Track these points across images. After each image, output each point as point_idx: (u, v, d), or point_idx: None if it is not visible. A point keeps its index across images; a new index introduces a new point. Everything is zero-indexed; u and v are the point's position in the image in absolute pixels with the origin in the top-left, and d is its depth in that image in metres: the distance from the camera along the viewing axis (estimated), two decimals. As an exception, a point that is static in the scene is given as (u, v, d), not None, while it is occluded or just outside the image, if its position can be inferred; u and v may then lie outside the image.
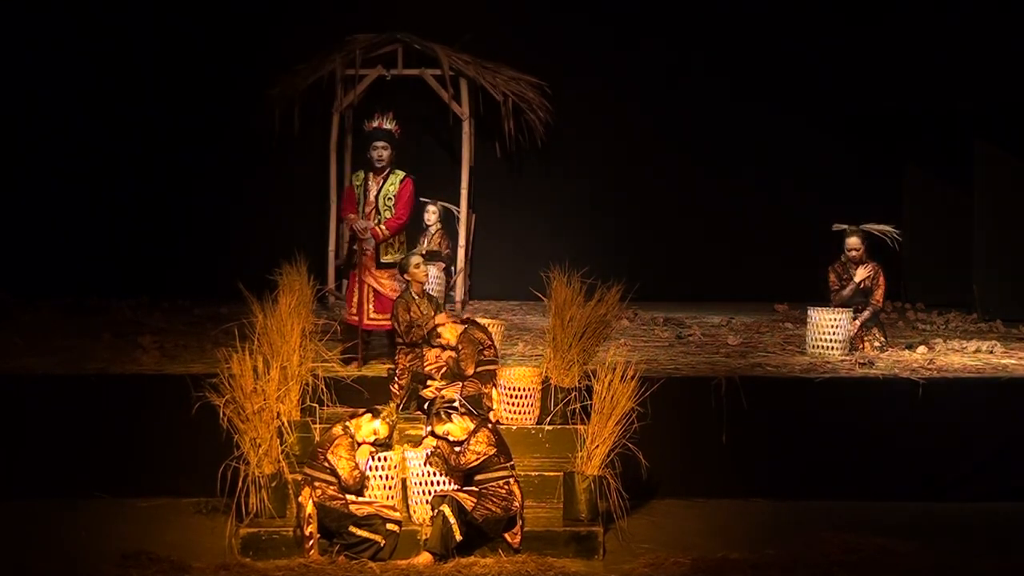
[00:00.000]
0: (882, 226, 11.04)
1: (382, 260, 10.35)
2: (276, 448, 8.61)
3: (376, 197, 10.34)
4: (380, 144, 10.35)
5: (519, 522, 8.38)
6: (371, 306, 10.30)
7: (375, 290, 10.31)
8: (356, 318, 10.34)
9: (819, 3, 14.29)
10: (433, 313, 9.77)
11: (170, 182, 14.19)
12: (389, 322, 10.04)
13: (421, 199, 13.52)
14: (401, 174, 10.42)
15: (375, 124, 10.44)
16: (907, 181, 14.53)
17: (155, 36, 14.05)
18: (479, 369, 9.44)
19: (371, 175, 10.41)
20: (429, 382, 9.56)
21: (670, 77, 14.46)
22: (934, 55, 13.85)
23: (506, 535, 8.34)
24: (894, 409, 9.80)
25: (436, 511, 8.25)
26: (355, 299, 10.36)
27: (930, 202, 14.37)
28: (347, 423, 8.54)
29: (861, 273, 11.00)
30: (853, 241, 10.96)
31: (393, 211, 10.33)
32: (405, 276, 9.91)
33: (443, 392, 9.32)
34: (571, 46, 14.29)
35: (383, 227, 10.29)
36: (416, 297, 9.83)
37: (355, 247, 10.37)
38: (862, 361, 10.41)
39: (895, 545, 8.45)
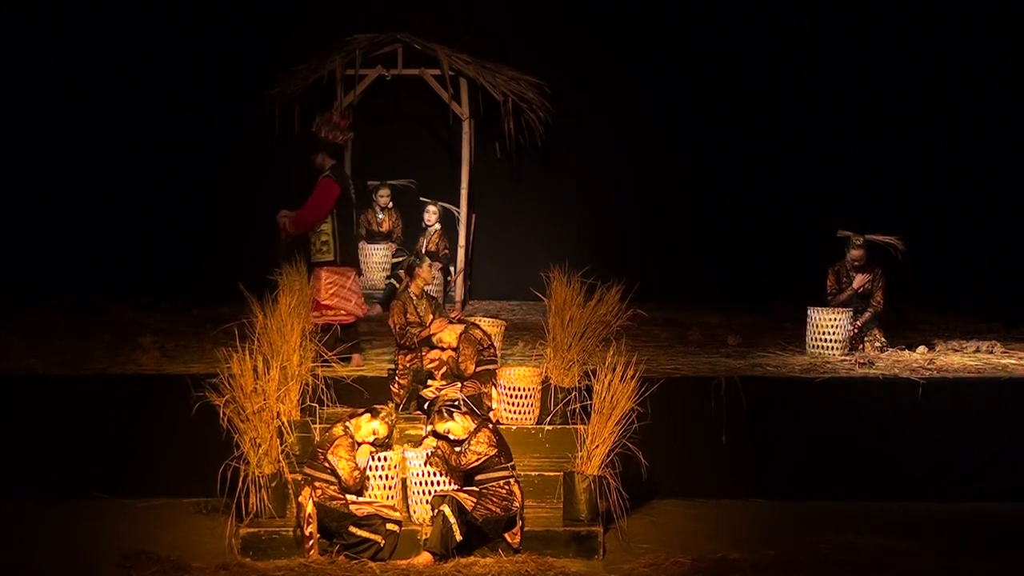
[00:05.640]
0: (886, 237, 11.03)
1: (312, 259, 10.20)
2: (276, 448, 8.62)
3: None
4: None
5: (519, 522, 8.38)
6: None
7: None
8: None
9: (821, 6, 14.28)
10: (431, 314, 9.78)
11: (170, 182, 14.17)
12: (322, 319, 9.98)
13: (421, 199, 13.54)
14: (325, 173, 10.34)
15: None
16: (907, 181, 14.54)
17: (155, 36, 14.03)
18: (479, 369, 9.44)
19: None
20: (429, 382, 9.57)
21: (670, 77, 14.43)
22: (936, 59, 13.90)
23: (506, 535, 8.34)
24: (894, 409, 9.81)
25: (436, 511, 8.25)
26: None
27: (930, 201, 14.35)
28: (347, 423, 8.54)
29: (859, 279, 11.02)
30: (856, 253, 10.98)
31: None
32: (415, 272, 9.89)
33: (443, 392, 9.33)
34: (571, 46, 14.27)
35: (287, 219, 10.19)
36: (414, 298, 9.83)
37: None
38: (862, 361, 10.41)
39: (895, 545, 8.44)
